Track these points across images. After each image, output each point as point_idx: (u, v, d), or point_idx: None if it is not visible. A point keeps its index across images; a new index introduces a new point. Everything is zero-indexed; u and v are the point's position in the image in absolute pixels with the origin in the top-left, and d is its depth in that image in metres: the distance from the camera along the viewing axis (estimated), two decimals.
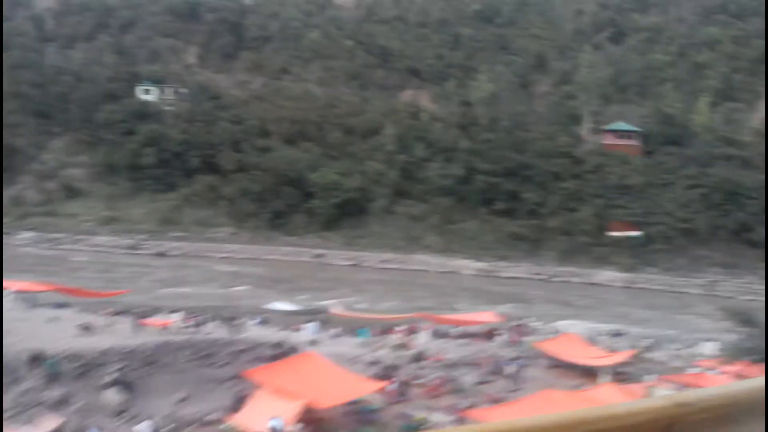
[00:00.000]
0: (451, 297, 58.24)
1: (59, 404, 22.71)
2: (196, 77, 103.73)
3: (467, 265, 74.41)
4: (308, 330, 35.67)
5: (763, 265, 62.66)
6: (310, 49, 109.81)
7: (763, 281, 52.96)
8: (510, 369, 30.91)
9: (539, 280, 71.53)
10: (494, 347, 35.90)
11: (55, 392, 23.14)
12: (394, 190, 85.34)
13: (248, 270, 65.61)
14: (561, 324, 47.15)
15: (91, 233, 75.86)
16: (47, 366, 23.83)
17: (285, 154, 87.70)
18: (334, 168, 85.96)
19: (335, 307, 46.03)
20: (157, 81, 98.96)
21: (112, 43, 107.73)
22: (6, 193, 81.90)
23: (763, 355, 29.51)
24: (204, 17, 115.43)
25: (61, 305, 37.08)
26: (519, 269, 74.03)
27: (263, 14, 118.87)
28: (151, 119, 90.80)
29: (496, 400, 26.78)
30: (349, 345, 33.89)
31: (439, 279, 68.57)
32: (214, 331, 30.96)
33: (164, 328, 30.19)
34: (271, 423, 20.43)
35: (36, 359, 24.13)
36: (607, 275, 72.90)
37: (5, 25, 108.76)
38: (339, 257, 74.79)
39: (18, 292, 34.85)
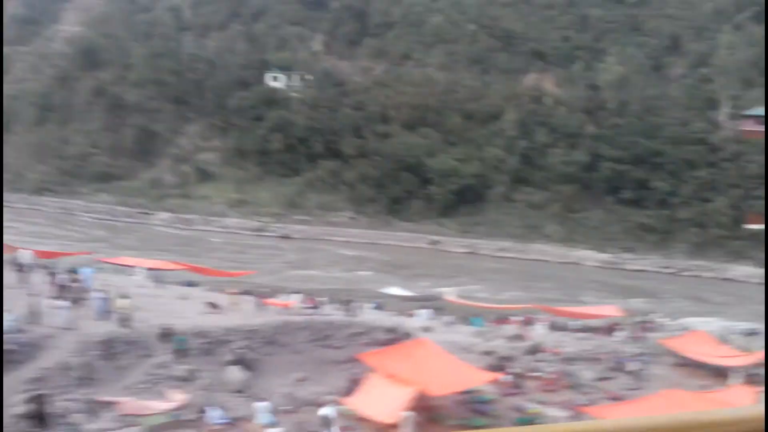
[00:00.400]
0: (574, 289, 56.53)
1: (185, 380, 24.08)
2: (321, 64, 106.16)
3: (590, 257, 71.94)
4: (422, 316, 35.87)
5: None
6: (432, 34, 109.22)
7: None
8: (632, 366, 29.63)
9: (668, 273, 67.97)
10: (615, 342, 34.48)
11: (182, 367, 24.61)
12: (514, 177, 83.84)
13: (368, 255, 66.85)
14: (689, 321, 44.52)
15: (222, 215, 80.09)
16: (176, 342, 25.32)
17: (404, 139, 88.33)
18: (453, 154, 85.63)
19: (450, 294, 45.94)
20: (285, 68, 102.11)
21: (244, 32, 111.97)
22: (145, 176, 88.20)
23: None
24: (330, 5, 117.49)
25: (191, 283, 39.52)
26: (646, 262, 70.63)
27: (387, 0, 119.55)
28: (279, 105, 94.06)
29: (615, 398, 25.80)
30: (463, 333, 33.71)
31: (560, 270, 66.75)
32: (332, 313, 31.79)
33: (285, 308, 31.32)
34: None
35: (166, 335, 25.76)
36: (743, 270, 68.02)
37: (147, 16, 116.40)
38: (455, 244, 74.58)
39: (150, 269, 37.29)
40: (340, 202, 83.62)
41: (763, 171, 76.92)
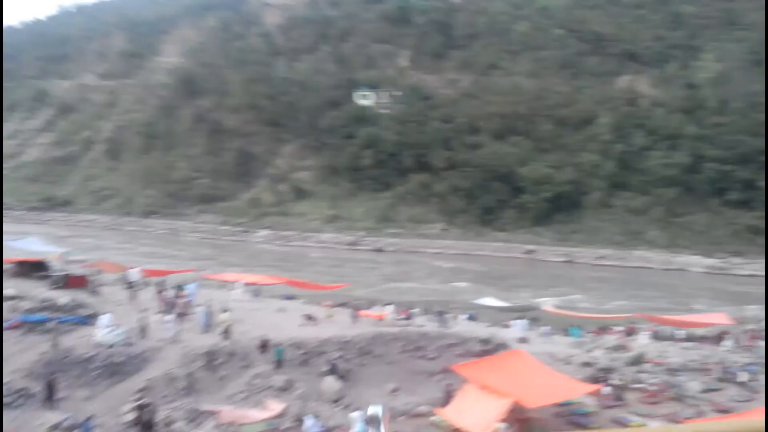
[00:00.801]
0: (682, 297, 53.80)
1: (283, 389, 24.69)
2: (408, 79, 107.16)
3: (696, 262, 68.37)
4: (517, 327, 35.20)
5: None
6: (519, 41, 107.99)
7: None
8: (742, 376, 27.87)
9: None
10: (724, 352, 32.55)
11: (280, 378, 25.27)
12: (611, 182, 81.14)
13: (462, 266, 66.45)
14: None
15: (317, 231, 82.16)
16: (274, 353, 26.06)
17: (494, 149, 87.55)
18: (545, 161, 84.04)
19: (547, 304, 44.86)
20: (373, 86, 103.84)
21: (332, 53, 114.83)
22: (245, 196, 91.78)
23: None
24: (414, 21, 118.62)
25: (289, 297, 40.61)
26: (757, 266, 66.33)
27: (471, 11, 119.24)
28: (369, 122, 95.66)
29: (723, 410, 24.32)
30: (560, 344, 32.84)
31: (665, 277, 63.79)
32: (425, 324, 31.74)
33: (379, 320, 31.56)
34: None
35: (265, 346, 26.55)
36: None
37: (241, 43, 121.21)
38: (551, 253, 72.84)
39: (250, 284, 38.55)
40: (432, 214, 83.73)
41: None
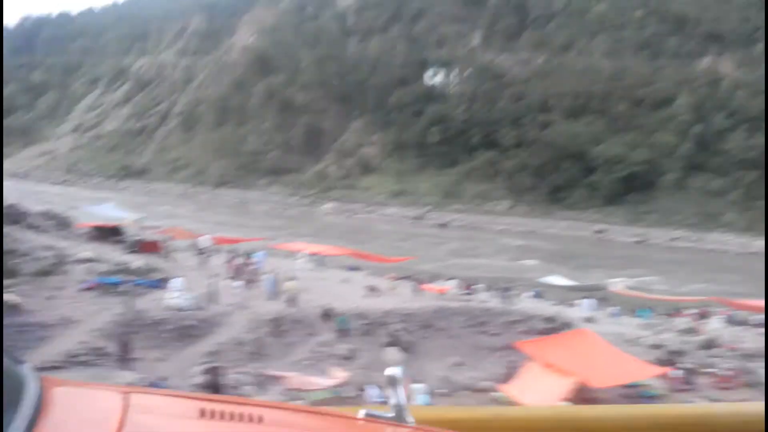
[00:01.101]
0: (761, 282, 51.26)
1: (346, 358, 25.02)
2: (479, 59, 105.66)
3: None
4: (584, 306, 34.48)
5: None
6: (596, 22, 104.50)
7: None
8: None
9: None
10: None
11: (343, 347, 25.61)
12: (688, 163, 78.18)
13: (529, 243, 65.58)
14: None
15: (383, 205, 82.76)
16: (338, 322, 26.41)
17: (566, 128, 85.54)
18: (620, 141, 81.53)
19: (617, 285, 43.73)
20: (444, 65, 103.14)
21: (404, 33, 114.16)
22: (313, 169, 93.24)
23: None
24: (489, 1, 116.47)
25: (353, 268, 40.99)
26: None
27: None
28: (437, 101, 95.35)
29: None
30: (629, 325, 31.97)
31: (742, 261, 61.07)
32: (488, 300, 31.49)
33: (441, 293, 31.52)
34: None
35: (329, 315, 26.92)
36: None
37: (314, 23, 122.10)
38: (622, 233, 70.88)
39: (316, 254, 39.09)
40: (498, 191, 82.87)
41: None
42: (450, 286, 31.80)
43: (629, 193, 77.42)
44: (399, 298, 30.66)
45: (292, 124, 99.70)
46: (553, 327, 27.98)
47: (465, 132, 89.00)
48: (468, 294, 31.60)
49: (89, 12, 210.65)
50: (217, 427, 1.13)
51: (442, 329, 27.56)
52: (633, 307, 36.47)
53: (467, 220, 76.42)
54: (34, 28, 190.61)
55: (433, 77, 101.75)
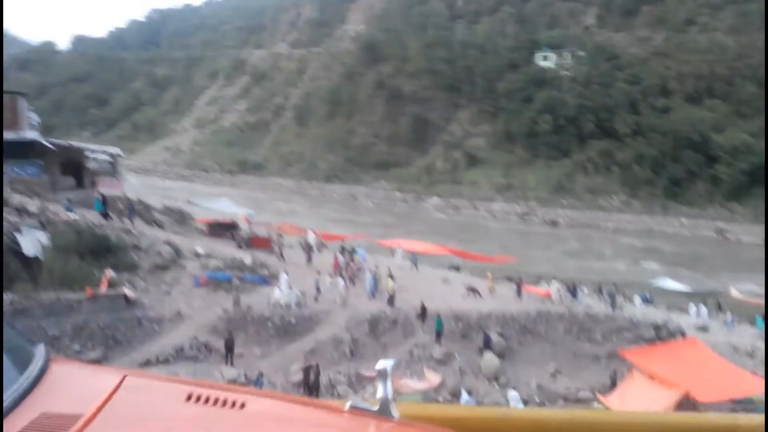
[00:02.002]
0: None
1: (441, 362, 25.08)
2: (594, 39, 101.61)
3: None
4: (697, 313, 32.67)
5: None
6: None
7: None
8: None
9: None
10: None
11: (439, 349, 25.70)
12: None
13: (641, 243, 62.42)
14: None
15: (488, 199, 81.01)
16: (436, 323, 26.49)
17: (687, 113, 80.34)
18: (747, 128, 75.49)
19: (734, 290, 41.02)
20: (556, 46, 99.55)
21: (514, 14, 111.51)
22: (419, 163, 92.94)
23: None
24: None
25: (454, 267, 40.88)
26: None
27: None
28: (548, 85, 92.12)
29: None
30: (745, 335, 30.02)
31: None
32: (594, 305, 30.54)
33: (544, 297, 30.88)
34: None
35: (424, 314, 27.10)
36: None
37: (422, 8, 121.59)
38: (747, 233, 65.25)
39: (417, 252, 39.23)
40: (612, 184, 78.96)
41: None
42: (554, 288, 30.99)
43: (755, 188, 70.91)
44: (499, 300, 30.32)
45: (400, 115, 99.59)
46: (662, 335, 26.79)
47: (577, 120, 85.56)
48: (573, 298, 30.73)
49: (210, 2, 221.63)
50: (200, 410, 1.23)
51: (542, 334, 27.04)
52: (752, 315, 34.10)
53: (578, 216, 73.30)
54: (162, 20, 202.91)
55: (544, 60, 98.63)
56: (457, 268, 40.35)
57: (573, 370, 24.75)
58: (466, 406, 1.42)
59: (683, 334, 26.98)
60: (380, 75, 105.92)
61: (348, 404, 1.26)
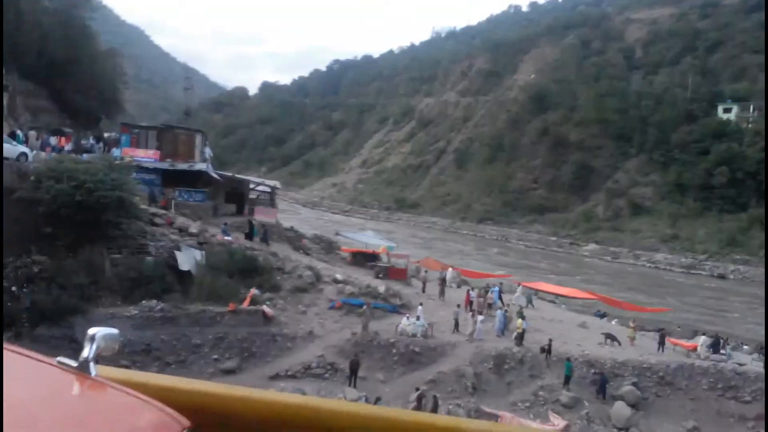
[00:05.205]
0: None
1: (568, 407, 23.94)
2: None
3: None
4: None
5: None
6: None
7: None
8: None
9: None
10: None
11: (567, 394, 24.56)
12: None
13: None
14: None
15: (651, 249, 76.49)
16: (565, 367, 25.40)
17: None
18: None
19: None
20: (740, 99, 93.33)
21: (696, 65, 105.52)
22: (578, 209, 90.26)
23: None
24: None
25: (600, 314, 38.98)
26: None
27: None
28: (728, 138, 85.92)
29: None
30: None
31: None
32: (747, 362, 27.74)
33: (690, 350, 28.59)
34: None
35: (549, 351, 26.14)
36: None
37: (598, 59, 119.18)
38: None
39: (563, 296, 37.91)
40: None
41: None
42: (702, 342, 28.54)
43: None
44: (639, 349, 28.49)
45: (563, 162, 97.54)
46: None
47: (757, 173, 78.51)
48: (723, 354, 28.11)
49: (389, 54, 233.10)
50: None
51: (682, 389, 25.00)
52: None
53: (751, 272, 66.44)
54: (342, 70, 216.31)
55: (726, 112, 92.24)
56: (602, 315, 38.43)
57: (713, 428, 22.63)
58: (176, 378, 1.44)
59: None
60: (546, 123, 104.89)
61: (57, 360, 1.38)
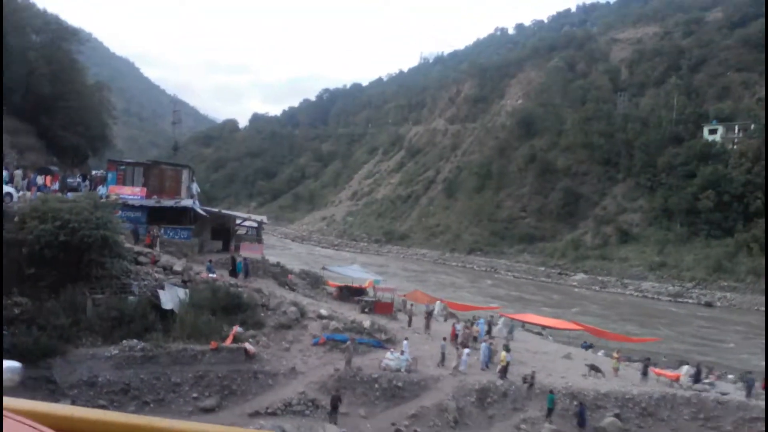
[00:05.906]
0: None
1: None
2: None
3: None
4: None
5: None
6: None
7: None
8: None
9: None
10: None
11: (549, 427, 24.54)
12: None
13: None
14: None
15: (638, 278, 76.12)
16: (547, 400, 25.41)
17: None
18: None
19: None
20: (725, 119, 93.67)
21: (681, 85, 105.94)
22: (567, 237, 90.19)
23: None
24: None
25: (587, 345, 39.02)
26: None
27: None
28: (714, 160, 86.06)
29: None
30: None
31: None
32: (729, 392, 27.80)
33: (673, 380, 28.66)
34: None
35: (532, 383, 26.16)
36: None
37: (583, 81, 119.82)
38: None
39: (548, 327, 37.98)
40: None
41: None
42: (685, 372, 28.63)
43: None
44: (623, 380, 28.57)
45: (551, 189, 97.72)
46: None
47: (745, 196, 78.82)
48: (707, 383, 28.18)
49: (378, 81, 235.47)
50: None
51: (664, 419, 25.07)
52: None
53: (738, 300, 66.25)
54: (331, 99, 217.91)
55: (711, 133, 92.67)
56: (589, 346, 38.46)
57: None
58: (82, 408, 1.52)
59: None
60: (533, 149, 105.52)
61: None
